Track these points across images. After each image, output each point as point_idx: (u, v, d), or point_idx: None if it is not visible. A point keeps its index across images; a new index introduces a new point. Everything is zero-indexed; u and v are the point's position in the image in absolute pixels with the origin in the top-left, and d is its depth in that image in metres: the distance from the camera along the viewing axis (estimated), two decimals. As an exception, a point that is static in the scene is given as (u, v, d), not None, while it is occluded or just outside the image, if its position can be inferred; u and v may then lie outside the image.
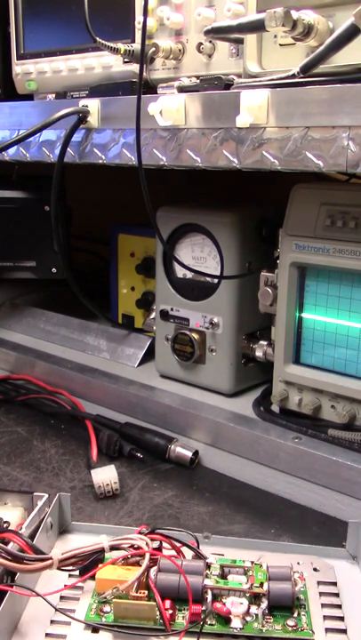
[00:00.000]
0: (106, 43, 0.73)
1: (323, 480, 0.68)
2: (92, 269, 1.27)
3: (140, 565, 0.50)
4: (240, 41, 0.67)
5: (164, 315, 0.87)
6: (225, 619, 0.49)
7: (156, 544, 0.54)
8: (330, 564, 0.56)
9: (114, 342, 0.99)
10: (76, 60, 0.85)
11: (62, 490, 0.70)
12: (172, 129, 0.69)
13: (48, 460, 0.78)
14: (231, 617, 0.49)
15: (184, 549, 0.54)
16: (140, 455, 0.77)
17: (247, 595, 0.50)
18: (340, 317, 0.69)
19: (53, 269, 1.06)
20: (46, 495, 0.59)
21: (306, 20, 0.56)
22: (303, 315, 0.72)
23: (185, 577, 0.49)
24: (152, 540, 0.53)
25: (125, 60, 0.79)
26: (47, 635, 0.48)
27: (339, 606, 0.52)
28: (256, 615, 0.49)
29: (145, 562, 0.50)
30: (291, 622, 0.49)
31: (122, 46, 0.74)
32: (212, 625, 0.49)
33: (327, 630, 0.49)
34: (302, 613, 0.50)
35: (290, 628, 0.49)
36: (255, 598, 0.50)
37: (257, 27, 0.57)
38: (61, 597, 0.51)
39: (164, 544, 0.54)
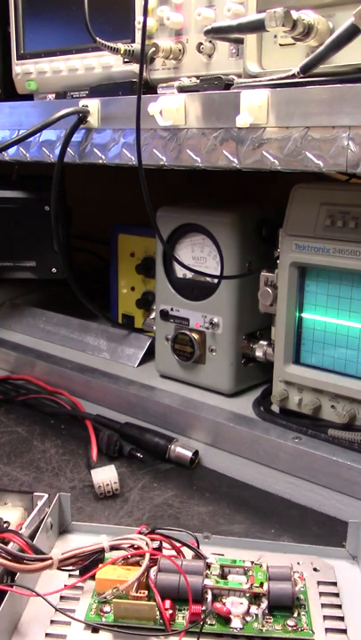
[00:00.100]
0: (106, 43, 0.73)
1: (323, 480, 0.68)
2: (92, 269, 1.27)
3: (140, 565, 0.50)
4: (240, 41, 0.67)
5: (164, 315, 0.87)
6: (225, 619, 0.49)
7: (156, 544, 0.54)
8: (330, 564, 0.56)
9: (114, 342, 0.99)
10: (76, 60, 0.85)
11: (62, 490, 0.70)
12: (172, 129, 0.69)
13: (48, 460, 0.78)
14: (231, 617, 0.49)
15: (184, 549, 0.54)
16: (140, 455, 0.77)
17: (247, 595, 0.50)
18: (340, 317, 0.69)
19: (53, 269, 1.06)
20: (46, 495, 0.59)
21: (306, 19, 0.56)
22: (303, 315, 0.72)
23: (185, 577, 0.49)
24: (152, 539, 0.53)
25: (125, 60, 0.79)
26: (47, 635, 0.48)
27: (339, 606, 0.52)
28: (256, 615, 0.49)
29: (145, 562, 0.50)
30: (291, 622, 0.49)
31: (122, 46, 0.74)
32: (212, 625, 0.49)
33: (327, 630, 0.49)
34: (302, 613, 0.50)
35: (290, 628, 0.49)
36: (255, 598, 0.50)
37: (257, 27, 0.57)
38: (61, 597, 0.51)
39: (164, 544, 0.54)
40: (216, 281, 0.81)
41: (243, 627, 0.48)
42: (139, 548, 0.52)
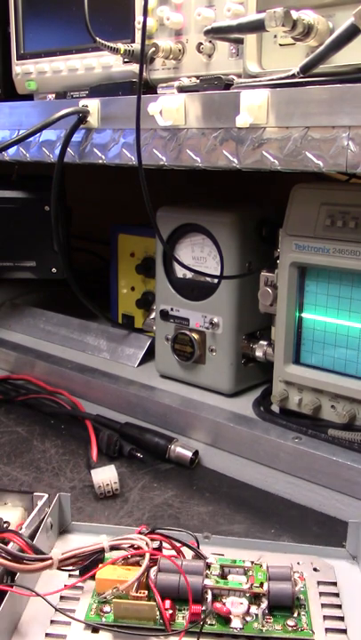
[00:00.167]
0: (106, 43, 0.73)
1: (323, 480, 0.68)
2: (92, 269, 1.27)
3: (140, 565, 0.50)
4: (240, 41, 0.67)
5: (164, 315, 0.87)
6: (225, 619, 0.49)
7: (156, 544, 0.54)
8: (330, 564, 0.56)
9: (114, 342, 0.99)
10: (76, 60, 0.85)
11: (62, 490, 0.70)
12: (172, 129, 0.69)
13: (48, 460, 0.78)
14: (231, 617, 0.49)
15: (184, 549, 0.54)
16: (140, 455, 0.77)
17: (247, 595, 0.50)
18: (340, 317, 0.69)
19: (53, 269, 1.06)
20: (46, 495, 0.59)
21: (306, 19, 0.56)
22: (303, 315, 0.72)
23: (185, 577, 0.49)
24: (152, 539, 0.53)
25: (125, 60, 0.79)
26: (47, 635, 0.48)
27: (339, 606, 0.52)
28: (256, 615, 0.49)
29: (145, 562, 0.50)
30: (291, 622, 0.49)
31: (122, 46, 0.74)
32: (212, 625, 0.49)
33: (327, 630, 0.49)
34: (302, 613, 0.50)
35: (290, 628, 0.49)
36: (255, 598, 0.50)
37: (257, 27, 0.57)
38: (61, 597, 0.51)
39: (164, 544, 0.54)
40: (216, 281, 0.81)
41: (243, 627, 0.48)
42: (139, 547, 0.52)
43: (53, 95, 0.90)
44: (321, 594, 0.53)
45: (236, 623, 0.49)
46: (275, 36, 0.63)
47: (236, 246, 0.79)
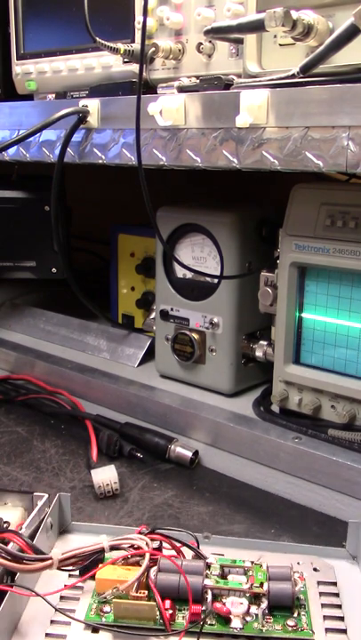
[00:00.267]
0: (106, 43, 0.73)
1: (323, 480, 0.68)
2: (92, 269, 1.27)
3: (140, 565, 0.50)
4: (240, 41, 0.67)
5: (164, 315, 0.87)
6: (225, 619, 0.49)
7: (156, 544, 0.54)
8: (330, 564, 0.56)
9: (114, 342, 0.99)
10: (76, 60, 0.85)
11: (62, 490, 0.70)
12: (172, 129, 0.69)
13: (48, 460, 0.78)
14: (231, 617, 0.49)
15: (184, 549, 0.54)
16: (140, 455, 0.77)
17: (247, 595, 0.50)
18: (340, 317, 0.69)
19: (53, 269, 1.06)
20: (46, 495, 0.59)
21: (306, 20, 0.56)
22: (303, 315, 0.72)
23: (185, 577, 0.49)
24: (152, 539, 0.53)
25: (125, 60, 0.79)
26: (47, 635, 0.48)
27: (339, 606, 0.52)
28: (256, 615, 0.49)
29: (145, 562, 0.50)
30: (291, 622, 0.49)
31: (122, 46, 0.74)
32: (212, 625, 0.49)
33: (327, 630, 0.49)
34: (302, 613, 0.50)
35: (290, 628, 0.49)
36: (255, 598, 0.50)
37: (257, 27, 0.57)
38: (61, 597, 0.51)
39: (164, 544, 0.54)
40: (216, 281, 0.81)
41: (243, 627, 0.48)
42: (139, 547, 0.52)
43: (53, 95, 0.90)
44: (321, 594, 0.53)
45: (236, 623, 0.49)
46: (275, 36, 0.63)
47: (236, 246, 0.79)
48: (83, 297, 0.94)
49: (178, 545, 0.54)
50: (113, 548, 0.52)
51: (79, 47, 0.85)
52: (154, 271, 0.89)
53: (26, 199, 1.05)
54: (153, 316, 0.92)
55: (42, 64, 0.90)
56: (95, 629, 0.49)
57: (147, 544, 0.52)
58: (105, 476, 0.70)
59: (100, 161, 0.79)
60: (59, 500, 0.59)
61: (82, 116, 0.78)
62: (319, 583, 0.54)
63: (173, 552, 0.54)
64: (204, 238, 0.82)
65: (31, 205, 1.04)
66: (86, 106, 0.78)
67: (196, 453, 0.77)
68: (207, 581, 0.50)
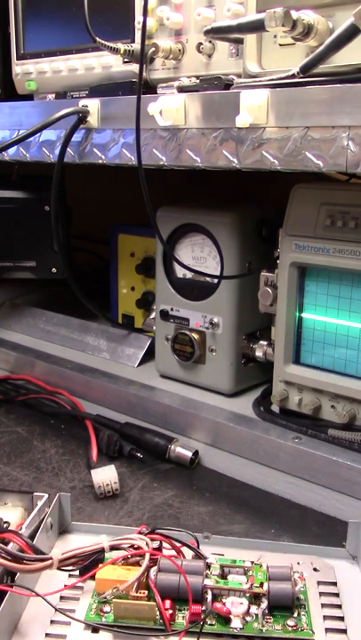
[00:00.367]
0: (106, 43, 0.73)
1: (323, 480, 0.68)
2: (92, 269, 1.27)
3: (140, 565, 0.50)
4: (240, 41, 0.67)
5: (164, 315, 0.87)
6: (225, 619, 0.49)
7: (156, 544, 0.54)
8: (330, 564, 0.56)
9: (114, 342, 0.99)
10: (76, 60, 0.85)
11: (62, 490, 0.70)
12: (172, 129, 0.69)
13: (48, 460, 0.78)
14: (231, 617, 0.49)
15: (184, 549, 0.54)
16: (140, 455, 0.77)
17: (247, 595, 0.50)
18: (340, 317, 0.69)
19: (53, 269, 1.06)
20: (46, 495, 0.59)
21: (306, 19, 0.56)
22: (303, 315, 0.72)
23: (185, 577, 0.49)
24: (152, 539, 0.53)
25: (125, 60, 0.79)
26: (47, 635, 0.48)
27: (339, 606, 0.52)
28: (256, 615, 0.49)
29: (145, 562, 0.50)
30: (291, 622, 0.49)
31: (122, 46, 0.74)
32: (212, 625, 0.49)
33: (327, 630, 0.49)
34: (302, 613, 0.50)
35: (290, 628, 0.49)
36: (255, 598, 0.50)
37: (257, 27, 0.57)
38: (61, 597, 0.51)
39: (164, 544, 0.54)
40: (216, 281, 0.81)
41: (243, 627, 0.48)
42: (139, 547, 0.52)
43: (53, 95, 0.90)
44: (321, 594, 0.53)
45: (236, 623, 0.49)
46: (275, 36, 0.63)
47: (236, 246, 0.79)
48: (83, 297, 0.94)
49: (178, 545, 0.54)
50: (113, 548, 0.52)
51: (79, 47, 0.85)
52: (154, 271, 0.89)
53: (26, 199, 1.05)
54: (153, 316, 0.92)
55: (42, 64, 0.90)
56: (95, 629, 0.49)
57: (147, 544, 0.52)
58: (105, 475, 0.70)
59: (100, 161, 0.79)
60: (59, 500, 0.59)
61: (82, 116, 0.78)
62: (319, 583, 0.54)
63: (173, 552, 0.54)
64: (204, 238, 0.82)
65: (31, 205, 1.04)
66: (86, 106, 0.78)
67: (196, 453, 0.77)
68: (207, 581, 0.50)
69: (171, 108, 0.67)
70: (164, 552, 0.53)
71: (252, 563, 0.53)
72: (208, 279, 0.82)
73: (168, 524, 0.65)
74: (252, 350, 0.81)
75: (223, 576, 0.52)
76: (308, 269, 0.71)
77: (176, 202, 0.87)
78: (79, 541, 0.57)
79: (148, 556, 0.51)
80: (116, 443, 0.78)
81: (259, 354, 0.80)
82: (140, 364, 0.95)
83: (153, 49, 0.74)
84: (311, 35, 0.57)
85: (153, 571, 0.51)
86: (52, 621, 0.49)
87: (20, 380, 0.97)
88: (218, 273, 0.80)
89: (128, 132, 0.75)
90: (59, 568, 0.51)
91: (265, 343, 0.79)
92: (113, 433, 0.79)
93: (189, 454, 0.76)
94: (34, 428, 0.86)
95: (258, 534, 0.64)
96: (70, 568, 0.52)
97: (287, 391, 0.74)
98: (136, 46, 0.75)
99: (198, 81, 0.70)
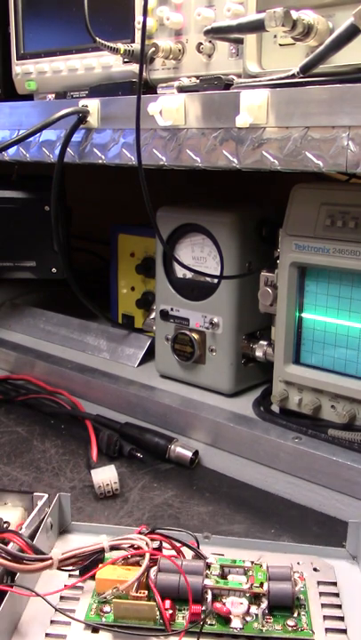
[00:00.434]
0: (106, 43, 0.73)
1: (323, 480, 0.68)
2: (92, 269, 1.27)
3: (140, 565, 0.50)
4: (240, 41, 0.67)
5: (164, 315, 0.87)
6: (225, 619, 0.49)
7: (156, 544, 0.54)
8: (330, 564, 0.56)
9: (114, 342, 0.99)
10: (76, 60, 0.85)
11: (62, 490, 0.70)
12: (172, 129, 0.69)
13: (48, 459, 0.78)
14: (231, 617, 0.49)
15: (184, 549, 0.54)
16: (140, 455, 0.77)
17: (247, 595, 0.50)
18: (340, 317, 0.69)
19: (53, 269, 1.07)
20: (46, 495, 0.59)
21: (306, 19, 0.56)
22: (303, 315, 0.72)
23: (185, 577, 0.49)
24: (152, 539, 0.53)
25: (125, 60, 0.79)
26: (47, 635, 0.48)
27: (339, 606, 0.52)
28: (256, 615, 0.49)
29: (145, 562, 0.50)
30: (291, 622, 0.49)
31: (122, 46, 0.74)
32: (212, 625, 0.49)
33: (327, 630, 0.49)
34: (302, 613, 0.50)
35: (290, 628, 0.49)
36: (255, 598, 0.50)
37: (257, 27, 0.57)
38: (61, 597, 0.51)
39: (164, 544, 0.54)
40: (216, 281, 0.81)
41: (243, 627, 0.48)
42: (139, 547, 0.52)
43: (53, 95, 0.90)
44: (321, 594, 0.53)
45: (236, 623, 0.49)
46: (275, 36, 0.63)
47: (236, 246, 0.79)
48: (83, 297, 0.94)
49: (178, 545, 0.54)
50: (113, 548, 0.52)
51: (79, 47, 0.85)
52: (154, 271, 0.89)
53: (26, 199, 1.05)
54: (153, 316, 0.92)
55: (42, 64, 0.90)
56: (95, 629, 0.49)
57: (147, 544, 0.52)
58: (105, 475, 0.70)
59: (100, 161, 0.79)
60: (59, 500, 0.59)
61: (82, 116, 0.78)
62: (319, 583, 0.54)
63: (173, 552, 0.54)
64: (204, 238, 0.82)
65: (31, 205, 1.04)
66: (86, 106, 0.78)
67: (196, 453, 0.77)
68: (207, 581, 0.50)
69: (171, 108, 0.67)
70: (164, 552, 0.53)
71: (252, 563, 0.53)
72: (208, 279, 0.82)
73: (168, 524, 0.65)
74: (252, 350, 0.81)
75: (223, 576, 0.52)
76: (308, 269, 0.71)
77: (176, 202, 0.87)
78: (79, 541, 0.57)
79: (148, 556, 0.51)
80: (116, 443, 0.78)
81: (259, 354, 0.80)
82: (140, 363, 0.95)
83: (153, 49, 0.74)
84: (311, 35, 0.57)
85: (153, 571, 0.51)
86: (52, 621, 0.49)
87: (20, 380, 0.97)
88: (218, 273, 0.80)
89: (128, 132, 0.75)
90: (59, 568, 0.51)
91: (265, 343, 0.79)
92: (113, 433, 0.79)
93: (189, 454, 0.76)
94: (34, 427, 0.86)
95: (258, 534, 0.64)
96: (70, 568, 0.52)
97: (287, 391, 0.74)
98: (136, 46, 0.75)
99: (198, 81, 0.70)
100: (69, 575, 0.54)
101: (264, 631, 0.48)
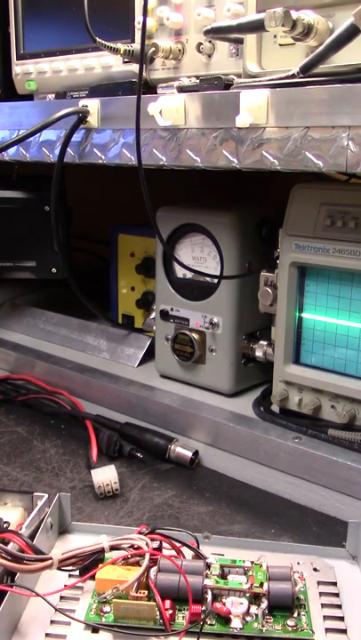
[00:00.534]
0: (106, 43, 0.73)
1: (323, 480, 0.68)
2: (92, 269, 1.28)
3: (140, 565, 0.50)
4: (240, 41, 0.67)
5: (164, 315, 0.87)
6: (225, 619, 0.49)
7: (156, 544, 0.54)
8: (330, 564, 0.56)
9: (114, 342, 0.99)
10: (76, 60, 0.85)
11: (62, 490, 0.70)
12: (172, 129, 0.69)
13: (48, 459, 0.78)
14: (231, 617, 0.49)
15: (184, 549, 0.54)
16: (140, 455, 0.77)
17: (247, 595, 0.50)
18: (340, 317, 0.69)
19: (53, 269, 1.07)
20: (46, 495, 0.59)
21: (306, 20, 0.56)
22: (303, 315, 0.72)
23: (185, 577, 0.49)
24: (152, 540, 0.53)
25: (125, 60, 0.79)
26: (47, 635, 0.48)
27: (339, 606, 0.52)
28: (256, 615, 0.49)
29: (145, 562, 0.50)
30: (291, 622, 0.49)
31: (122, 46, 0.74)
32: (212, 625, 0.49)
33: (327, 630, 0.49)
34: (302, 613, 0.50)
35: (290, 628, 0.49)
36: (255, 598, 0.50)
37: (257, 27, 0.57)
38: (61, 597, 0.51)
39: (164, 544, 0.54)
40: (216, 281, 0.81)
41: (243, 627, 0.48)
42: (139, 548, 0.52)
43: (53, 95, 0.90)
44: (321, 594, 0.53)
45: (236, 623, 0.49)
46: (275, 36, 0.63)
47: (236, 246, 0.79)
48: (83, 297, 0.94)
49: (178, 545, 0.54)
50: (113, 548, 0.52)
51: (79, 47, 0.85)
52: (154, 271, 0.89)
53: (26, 199, 1.05)
54: (153, 316, 0.92)
55: (42, 64, 0.90)
56: (95, 629, 0.49)
57: (147, 544, 0.52)
58: (105, 475, 0.70)
59: (100, 161, 0.79)
60: (59, 500, 0.59)
61: (82, 116, 0.78)
62: (319, 583, 0.54)
63: (173, 552, 0.54)
64: (204, 238, 0.82)
65: (31, 205, 1.04)
66: (86, 106, 0.78)
67: (196, 453, 0.77)
68: (207, 581, 0.50)
69: (171, 108, 0.67)
70: (164, 552, 0.53)
71: (252, 563, 0.53)
72: (208, 279, 0.82)
73: (168, 524, 0.65)
74: (252, 350, 0.81)
75: (223, 576, 0.52)
76: (308, 269, 0.71)
77: (176, 202, 0.87)
78: (79, 541, 0.57)
79: (148, 556, 0.51)
80: (116, 443, 0.78)
81: (259, 354, 0.80)
82: (140, 363, 0.95)
83: (153, 49, 0.74)
84: (311, 35, 0.57)
85: (153, 571, 0.51)
86: (52, 621, 0.49)
87: (20, 380, 0.97)
88: (218, 273, 0.80)
89: (128, 132, 0.75)
90: (59, 568, 0.51)
91: (265, 343, 0.79)
92: (113, 433, 0.79)
93: (189, 454, 0.76)
94: (34, 427, 0.86)
95: (258, 534, 0.64)
96: (70, 568, 0.52)
97: (287, 391, 0.74)
98: (136, 46, 0.75)
99: (198, 81, 0.70)
100: (69, 575, 0.54)
101: (264, 631, 0.48)
